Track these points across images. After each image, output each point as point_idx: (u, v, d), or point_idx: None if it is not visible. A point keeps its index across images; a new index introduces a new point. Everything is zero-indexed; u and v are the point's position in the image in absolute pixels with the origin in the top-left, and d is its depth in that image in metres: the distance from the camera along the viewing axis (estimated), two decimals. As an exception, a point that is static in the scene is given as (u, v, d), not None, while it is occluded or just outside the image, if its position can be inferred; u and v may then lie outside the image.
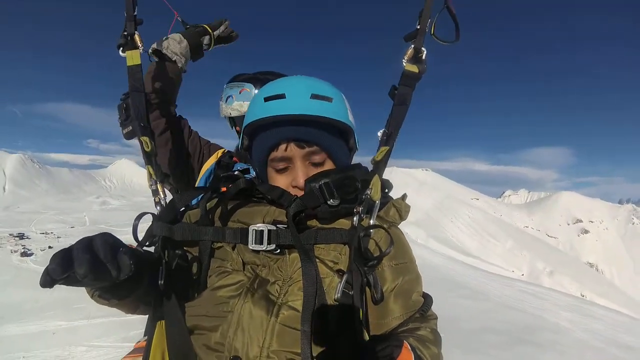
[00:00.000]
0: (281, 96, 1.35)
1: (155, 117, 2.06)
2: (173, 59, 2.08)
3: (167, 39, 2.10)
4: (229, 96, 2.23)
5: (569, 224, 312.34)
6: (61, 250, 0.95)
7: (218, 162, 2.15)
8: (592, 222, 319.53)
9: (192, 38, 2.14)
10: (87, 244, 0.98)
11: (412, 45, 1.53)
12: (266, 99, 1.37)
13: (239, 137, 2.09)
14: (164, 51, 2.07)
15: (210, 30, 2.20)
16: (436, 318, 1.40)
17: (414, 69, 1.50)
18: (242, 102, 2.18)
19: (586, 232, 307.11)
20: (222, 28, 2.23)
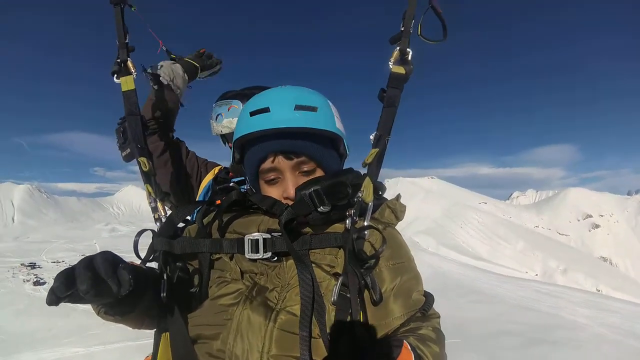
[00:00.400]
0: (266, 110, 1.36)
1: (154, 141, 2.14)
2: (177, 92, 2.20)
3: (162, 67, 2.21)
4: (218, 114, 2.28)
5: (579, 220, 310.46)
6: (65, 269, 0.98)
7: (215, 178, 2.19)
8: (602, 216, 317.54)
9: (190, 72, 2.27)
10: (88, 262, 1.02)
11: (398, 47, 1.56)
12: (251, 114, 1.39)
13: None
14: (169, 83, 2.17)
15: (198, 65, 2.34)
16: (439, 317, 1.41)
17: (400, 70, 1.54)
18: (231, 118, 2.23)
19: (597, 226, 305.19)
20: (209, 64, 2.40)
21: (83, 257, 1.06)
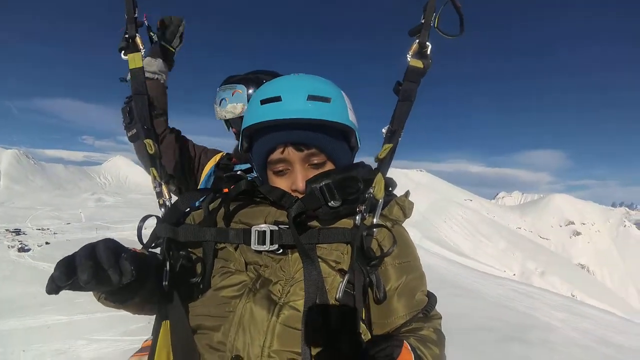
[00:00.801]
0: (277, 99, 1.32)
1: (157, 125, 2.13)
2: (155, 78, 2.19)
3: None
4: (222, 99, 2.23)
5: (561, 226, 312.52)
6: (65, 257, 0.95)
7: (217, 165, 2.21)
8: (584, 224, 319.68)
9: (162, 53, 2.23)
10: (89, 250, 0.98)
11: (417, 40, 1.51)
12: (262, 102, 1.34)
13: (237, 139, 2.30)
14: (149, 75, 2.15)
15: (173, 49, 2.29)
16: (440, 318, 1.40)
17: (418, 64, 1.49)
18: (235, 104, 2.19)
19: (578, 234, 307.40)
20: (175, 39, 2.28)
21: (84, 246, 1.00)
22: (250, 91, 2.14)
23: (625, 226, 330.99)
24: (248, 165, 1.90)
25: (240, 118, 2.14)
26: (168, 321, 1.26)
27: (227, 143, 2.52)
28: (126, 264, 1.00)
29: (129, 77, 1.79)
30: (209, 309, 1.24)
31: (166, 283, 1.22)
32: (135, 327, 8.66)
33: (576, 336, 9.32)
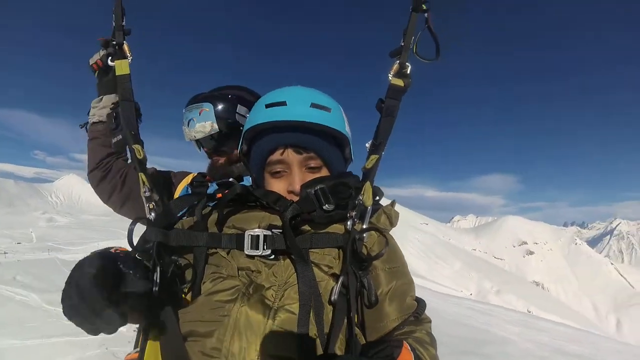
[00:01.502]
0: (282, 103, 1.41)
1: (120, 166, 2.19)
2: (104, 120, 2.14)
3: (91, 110, 2.17)
4: (190, 119, 2.21)
5: (514, 246, 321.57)
6: (65, 289, 0.99)
7: (191, 184, 2.13)
8: (536, 243, 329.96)
9: (108, 88, 2.13)
10: (79, 288, 0.98)
11: (397, 61, 1.58)
12: (267, 106, 1.43)
13: (209, 157, 2.34)
14: (95, 120, 2.15)
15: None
16: (430, 321, 1.43)
17: (399, 82, 1.56)
18: (204, 122, 2.17)
19: (531, 253, 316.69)
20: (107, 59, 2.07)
21: (74, 270, 1.03)
22: (219, 108, 2.16)
23: (576, 244, 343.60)
24: (222, 181, 1.83)
25: (211, 137, 2.20)
26: (157, 329, 1.25)
27: (195, 165, 2.57)
28: (114, 316, 1.00)
29: (89, 123, 2.08)
30: (201, 314, 1.24)
31: (156, 289, 1.20)
32: (93, 354, 7.96)
33: (532, 347, 9.36)
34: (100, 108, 2.13)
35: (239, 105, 2.19)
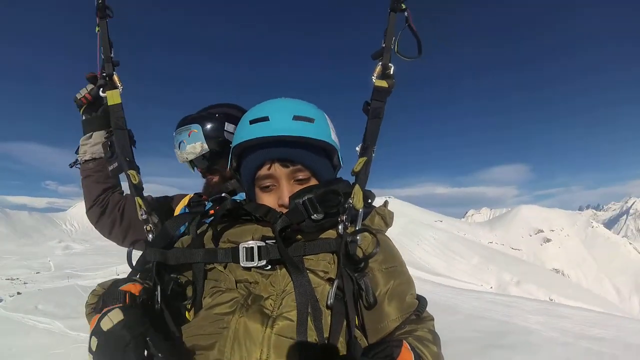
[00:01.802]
0: (265, 119, 1.41)
1: (117, 200, 2.22)
2: (99, 158, 2.16)
3: (80, 148, 2.18)
4: (180, 142, 2.24)
5: (530, 235, 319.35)
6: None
7: (189, 204, 2.17)
8: (552, 230, 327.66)
9: (98, 125, 2.15)
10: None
11: (380, 63, 1.62)
12: (251, 122, 1.43)
13: (203, 176, 2.38)
14: (87, 157, 2.16)
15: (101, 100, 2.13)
16: (432, 319, 1.42)
17: (383, 84, 1.60)
18: (194, 143, 2.20)
19: (548, 240, 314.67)
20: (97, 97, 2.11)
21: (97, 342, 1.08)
22: (207, 127, 2.19)
23: (592, 227, 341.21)
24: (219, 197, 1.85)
25: (203, 156, 2.23)
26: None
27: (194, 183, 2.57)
28: None
29: (79, 162, 2.13)
30: (202, 327, 1.26)
31: (158, 306, 1.27)
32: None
33: (555, 335, 9.35)
34: (92, 145, 2.15)
35: (226, 122, 2.23)
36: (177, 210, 2.26)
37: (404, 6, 1.67)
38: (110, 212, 2.20)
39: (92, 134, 2.15)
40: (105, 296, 1.21)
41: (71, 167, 2.22)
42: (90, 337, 1.10)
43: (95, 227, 2.24)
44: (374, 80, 1.61)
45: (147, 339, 1.10)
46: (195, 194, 2.30)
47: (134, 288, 1.24)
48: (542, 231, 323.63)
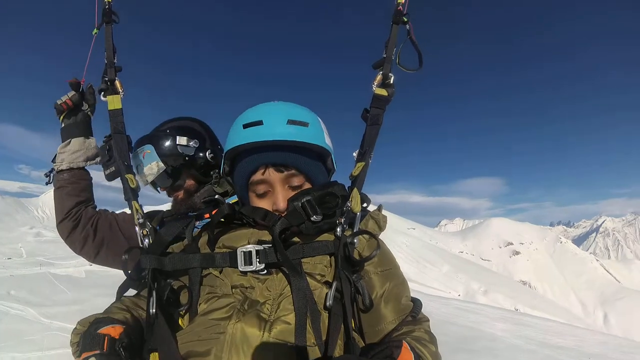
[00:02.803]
0: (259, 123, 1.41)
1: (90, 215, 2.17)
2: (80, 167, 2.14)
3: (58, 156, 2.13)
4: (137, 166, 2.21)
5: (500, 247, 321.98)
6: None
7: (161, 223, 2.11)
8: (522, 244, 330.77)
9: (77, 132, 2.13)
10: None
11: (381, 72, 1.66)
12: (245, 126, 1.44)
13: (170, 195, 2.40)
14: (64, 167, 2.10)
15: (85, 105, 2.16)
16: (428, 320, 1.45)
17: (383, 92, 1.63)
18: (150, 164, 2.19)
19: (517, 253, 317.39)
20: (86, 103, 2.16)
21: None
22: (160, 145, 2.18)
23: (561, 242, 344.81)
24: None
25: (166, 174, 2.23)
26: (157, 353, 1.27)
27: None
28: None
29: (54, 171, 2.08)
30: (198, 334, 1.24)
31: (153, 311, 1.28)
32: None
33: (519, 342, 9.63)
34: (70, 153, 2.10)
35: (177, 137, 2.20)
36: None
37: (406, 19, 1.71)
38: (82, 227, 2.13)
39: (70, 141, 2.10)
40: (85, 339, 1.22)
41: (46, 176, 2.17)
42: None
43: (66, 242, 2.19)
44: (374, 89, 1.65)
45: None
46: (165, 211, 2.19)
47: (114, 331, 1.24)
48: (511, 244, 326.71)
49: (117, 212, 2.34)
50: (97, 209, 2.24)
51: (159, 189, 2.39)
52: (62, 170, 2.11)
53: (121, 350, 1.20)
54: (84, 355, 1.16)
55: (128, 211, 2.21)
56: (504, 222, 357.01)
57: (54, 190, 2.14)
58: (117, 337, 1.22)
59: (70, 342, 1.33)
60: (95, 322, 1.27)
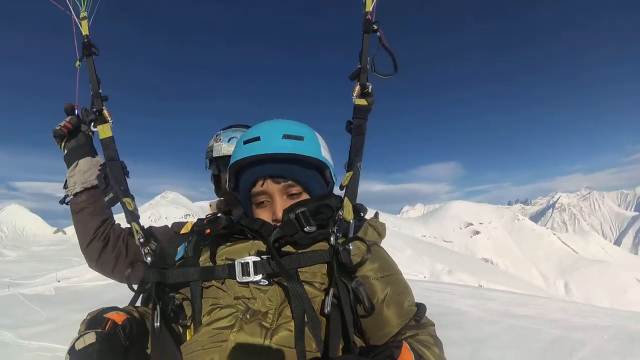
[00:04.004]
0: (257, 139, 1.49)
1: (119, 232, 2.07)
2: (95, 185, 2.03)
3: (70, 178, 2.05)
4: (232, 137, 2.39)
5: (461, 229, 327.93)
6: None
7: (191, 230, 2.07)
8: (481, 223, 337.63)
9: (82, 153, 2.06)
10: None
11: (358, 83, 1.72)
12: (245, 142, 1.52)
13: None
14: (79, 189, 2.01)
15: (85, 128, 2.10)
16: (433, 325, 1.46)
17: (363, 102, 1.70)
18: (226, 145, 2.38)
19: (477, 233, 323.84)
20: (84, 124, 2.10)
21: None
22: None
23: (518, 219, 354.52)
24: None
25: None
26: None
27: None
28: None
29: (70, 197, 2.01)
30: (202, 344, 1.27)
31: (157, 324, 1.30)
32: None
33: (484, 315, 10.06)
34: (82, 173, 2.02)
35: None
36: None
37: (375, 27, 1.76)
38: (113, 245, 2.03)
39: (77, 163, 2.03)
40: (89, 321, 1.26)
41: (62, 203, 2.08)
42: (65, 355, 1.14)
43: (95, 265, 2.06)
44: (354, 100, 1.71)
45: None
46: (198, 219, 2.15)
47: (118, 317, 1.28)
48: (471, 224, 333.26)
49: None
50: (121, 226, 2.15)
51: (221, 167, 2.47)
52: (77, 193, 2.03)
53: (121, 333, 1.24)
54: (84, 332, 1.19)
55: (155, 224, 2.27)
56: (463, 204, 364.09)
57: (74, 216, 2.04)
58: (120, 322, 1.27)
59: (79, 331, 1.31)
60: (102, 310, 1.32)
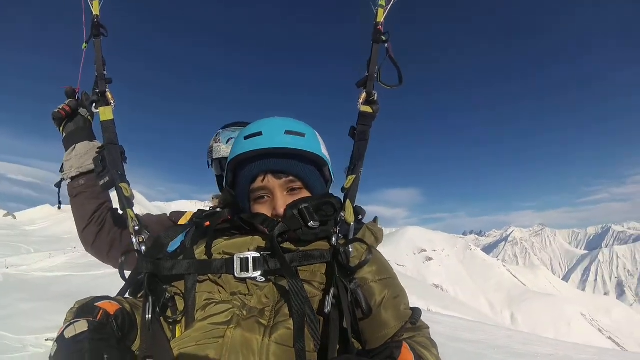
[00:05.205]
0: (258, 134, 1.49)
1: (116, 216, 2.00)
2: (91, 170, 1.96)
3: (66, 163, 1.99)
4: (231, 138, 2.39)
5: (415, 254, 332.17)
6: None
7: (191, 220, 2.04)
8: (434, 250, 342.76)
9: (80, 136, 2.02)
10: None
11: (365, 90, 1.71)
12: (245, 137, 1.51)
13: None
14: (75, 173, 1.96)
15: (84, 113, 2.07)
16: (428, 328, 1.47)
17: (368, 109, 1.69)
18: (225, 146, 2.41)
19: (430, 259, 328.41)
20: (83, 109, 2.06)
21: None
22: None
23: (471, 249, 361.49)
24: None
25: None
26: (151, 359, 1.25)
27: None
28: None
29: (67, 180, 1.97)
30: (196, 339, 1.24)
31: (149, 317, 1.27)
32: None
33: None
34: (79, 157, 1.97)
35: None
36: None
37: (384, 38, 1.76)
38: (109, 229, 1.98)
39: (74, 146, 1.99)
40: (79, 310, 1.19)
41: (57, 187, 2.02)
42: (53, 343, 1.08)
43: (91, 249, 2.00)
44: (359, 106, 1.69)
45: (105, 356, 1.07)
46: (199, 210, 2.10)
47: (111, 307, 1.22)
48: (425, 250, 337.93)
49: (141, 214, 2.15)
50: (118, 210, 2.05)
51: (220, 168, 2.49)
52: (74, 177, 1.99)
53: (114, 324, 1.19)
54: (75, 320, 1.13)
55: (153, 213, 2.21)
56: (419, 230, 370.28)
57: (71, 200, 2.01)
58: (112, 313, 1.21)
59: (65, 320, 1.26)
60: (94, 298, 1.25)
